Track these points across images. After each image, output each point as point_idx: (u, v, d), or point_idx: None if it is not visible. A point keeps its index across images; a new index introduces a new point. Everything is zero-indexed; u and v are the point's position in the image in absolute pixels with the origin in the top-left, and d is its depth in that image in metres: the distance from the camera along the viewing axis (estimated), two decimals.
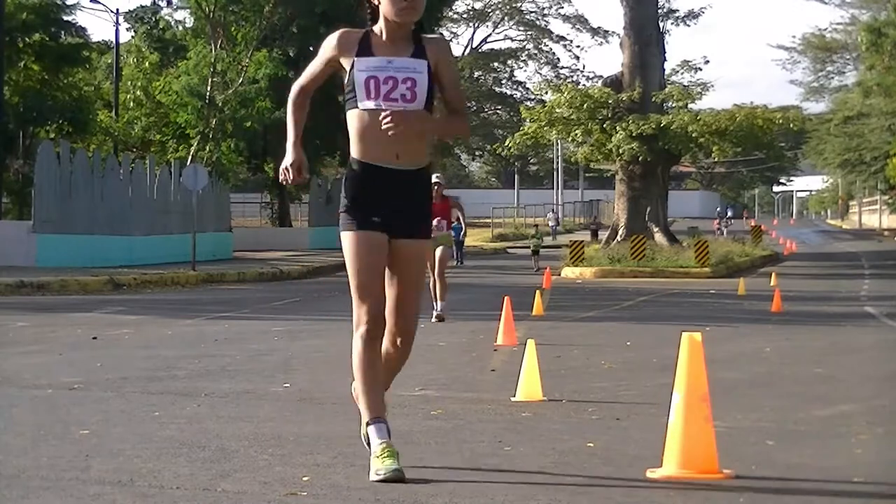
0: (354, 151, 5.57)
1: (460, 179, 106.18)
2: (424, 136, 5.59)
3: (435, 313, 15.48)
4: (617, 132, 36.99)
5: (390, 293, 5.56)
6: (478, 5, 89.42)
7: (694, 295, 23.77)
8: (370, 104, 5.43)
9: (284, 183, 5.70)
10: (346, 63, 5.51)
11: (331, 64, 5.58)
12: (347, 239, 5.59)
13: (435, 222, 15.57)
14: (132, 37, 50.70)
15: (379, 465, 5.28)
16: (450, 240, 16.21)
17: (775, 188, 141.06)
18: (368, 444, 5.46)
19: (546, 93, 44.29)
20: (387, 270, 5.57)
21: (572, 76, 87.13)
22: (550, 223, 63.31)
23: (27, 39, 37.47)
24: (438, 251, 15.55)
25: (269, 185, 52.91)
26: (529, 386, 8.22)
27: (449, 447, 6.28)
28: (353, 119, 5.54)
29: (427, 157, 5.64)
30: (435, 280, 15.62)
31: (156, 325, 15.32)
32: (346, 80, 5.52)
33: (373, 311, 5.46)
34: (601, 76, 54.14)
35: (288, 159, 5.58)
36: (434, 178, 15.87)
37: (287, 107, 5.72)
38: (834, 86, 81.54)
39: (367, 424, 5.44)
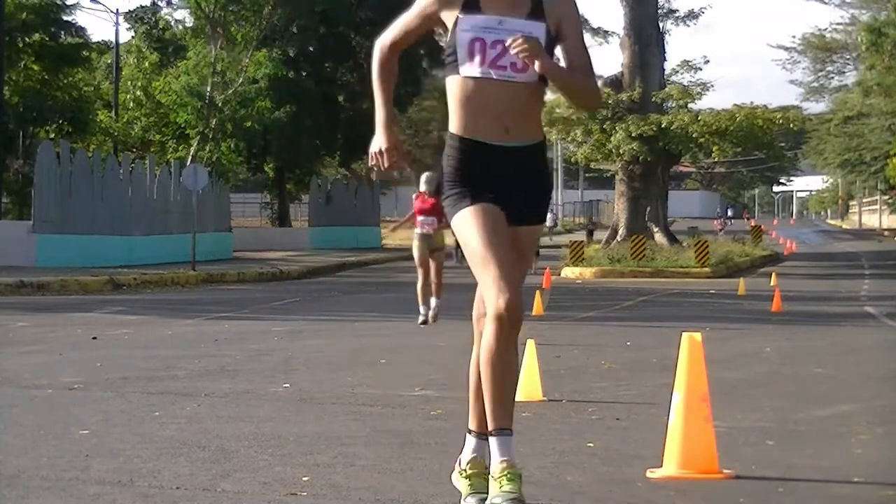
0: (455, 125, 4.67)
1: None
2: (538, 106, 4.76)
3: (431, 312, 15.27)
4: (617, 132, 36.98)
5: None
6: None
7: (694, 295, 23.76)
8: (474, 71, 4.58)
9: (376, 170, 4.71)
10: (448, 18, 4.65)
11: (429, 19, 4.70)
12: (463, 217, 4.63)
13: (421, 220, 15.29)
14: (132, 37, 50.72)
15: (496, 491, 4.45)
16: (443, 238, 15.76)
17: (775, 188, 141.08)
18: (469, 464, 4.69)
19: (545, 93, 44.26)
20: None
21: None
22: (548, 223, 63.28)
23: (27, 39, 37.48)
24: (433, 254, 15.21)
25: (269, 185, 52.94)
26: (529, 386, 8.22)
27: (449, 447, 6.27)
28: (453, 86, 4.65)
29: (542, 131, 4.79)
30: (428, 279, 15.07)
31: (156, 325, 15.32)
32: (447, 39, 4.66)
33: (512, 289, 4.52)
34: (601, 76, 54.10)
35: (379, 142, 4.65)
36: (424, 177, 15.65)
37: (373, 74, 4.78)
38: (834, 86, 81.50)
39: (490, 434, 4.59)
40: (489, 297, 4.57)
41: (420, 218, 15.16)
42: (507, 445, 4.54)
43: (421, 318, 15.06)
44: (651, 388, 8.88)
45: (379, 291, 24.61)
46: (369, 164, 4.71)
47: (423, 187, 15.30)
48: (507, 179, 4.64)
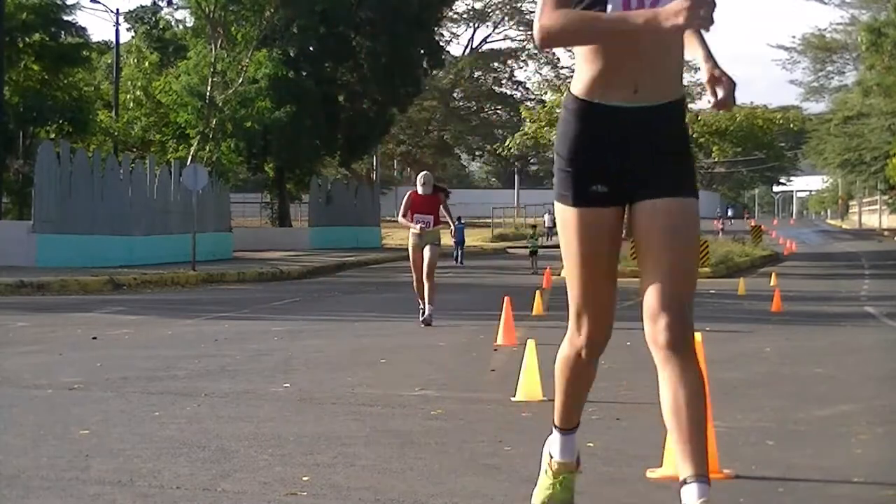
0: (577, 84, 4.03)
1: (460, 179, 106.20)
2: (681, 58, 4.06)
3: (422, 318, 14.98)
4: None
5: (649, 275, 3.94)
6: (478, 5, 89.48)
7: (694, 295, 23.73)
8: None
9: (697, 18, 3.57)
10: None
11: None
12: (562, 215, 4.08)
13: (417, 217, 15.20)
14: (132, 37, 50.75)
15: (544, 496, 4.38)
16: (439, 236, 15.59)
17: (775, 188, 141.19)
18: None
19: (546, 93, 44.38)
20: (641, 244, 3.99)
21: (572, 76, 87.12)
22: (547, 224, 63.19)
23: (27, 39, 37.48)
24: (427, 249, 14.96)
25: (269, 185, 52.96)
26: (529, 386, 8.22)
27: (449, 447, 6.28)
28: None
29: (681, 84, 4.06)
30: (423, 280, 15.05)
31: (156, 325, 15.32)
32: None
33: (595, 322, 4.12)
34: None
35: (679, 3, 3.58)
36: (420, 178, 15.56)
37: (567, 39, 3.79)
38: (834, 86, 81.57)
39: (553, 429, 4.41)
40: (570, 327, 4.21)
41: (416, 216, 15.13)
42: None
43: (422, 318, 15.05)
44: (651, 388, 8.82)
45: (379, 291, 24.61)
46: (701, 19, 3.60)
47: (420, 189, 15.26)
48: (636, 148, 3.93)
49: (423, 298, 15.11)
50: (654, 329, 3.87)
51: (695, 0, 3.57)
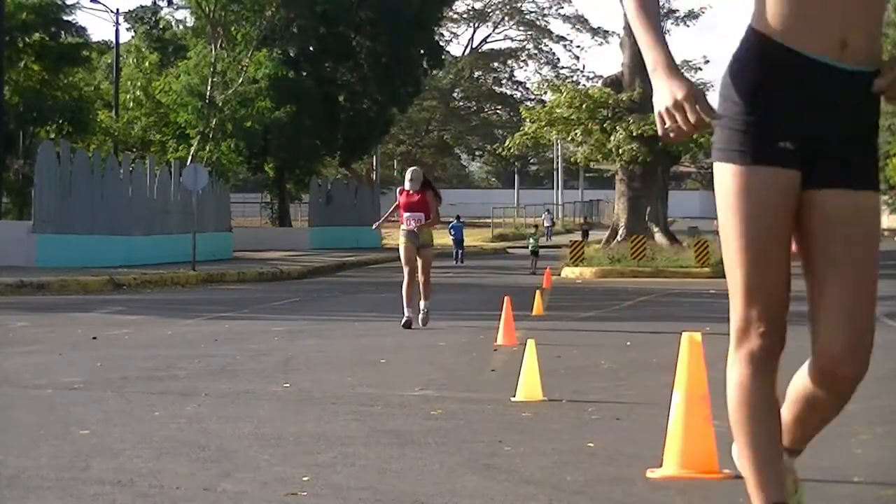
0: (764, 22, 3.25)
1: (460, 179, 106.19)
2: (883, 13, 3.31)
3: (420, 316, 14.45)
4: (617, 132, 37.03)
5: (822, 286, 3.37)
6: (478, 5, 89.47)
7: (694, 295, 23.75)
8: None
9: (673, 133, 3.11)
10: None
11: None
12: (730, 178, 3.27)
13: (407, 216, 14.83)
14: (132, 37, 50.75)
15: None
16: (432, 237, 15.09)
17: None
18: None
19: (546, 93, 44.35)
20: (810, 245, 3.35)
21: (572, 76, 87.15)
22: (545, 223, 63.19)
23: (27, 39, 37.49)
24: (422, 251, 14.50)
25: (269, 185, 52.96)
26: (529, 386, 8.21)
27: (449, 447, 6.28)
28: None
29: (881, 52, 3.32)
30: (414, 282, 14.47)
31: (156, 325, 15.32)
32: None
33: (769, 310, 3.37)
34: (601, 76, 54.30)
35: (671, 91, 3.11)
36: (409, 174, 15.21)
37: (629, 9, 3.24)
38: None
39: None
40: (736, 321, 3.42)
41: (406, 214, 14.63)
42: None
43: (404, 320, 14.24)
44: (651, 388, 8.87)
45: (379, 291, 24.59)
46: (661, 130, 3.18)
47: (407, 185, 14.88)
48: (827, 118, 3.24)
49: (409, 304, 14.35)
50: (832, 353, 3.50)
51: (671, 112, 3.11)
